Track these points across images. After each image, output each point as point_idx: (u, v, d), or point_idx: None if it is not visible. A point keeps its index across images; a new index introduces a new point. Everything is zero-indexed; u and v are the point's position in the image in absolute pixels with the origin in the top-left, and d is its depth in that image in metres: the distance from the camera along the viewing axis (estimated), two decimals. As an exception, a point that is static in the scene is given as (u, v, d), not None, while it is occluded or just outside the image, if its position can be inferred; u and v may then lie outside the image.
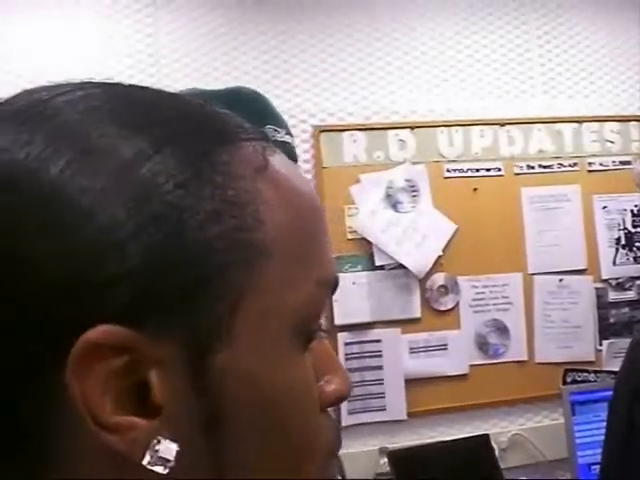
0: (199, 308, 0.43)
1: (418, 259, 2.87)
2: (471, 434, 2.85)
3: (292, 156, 1.24)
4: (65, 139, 0.43)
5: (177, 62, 2.78)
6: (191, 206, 0.43)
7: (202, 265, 0.43)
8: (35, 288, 0.41)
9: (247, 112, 1.22)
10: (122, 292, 0.41)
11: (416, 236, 2.88)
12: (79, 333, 0.40)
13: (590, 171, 3.12)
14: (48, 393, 0.42)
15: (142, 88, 0.51)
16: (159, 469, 0.42)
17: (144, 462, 0.41)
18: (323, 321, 0.51)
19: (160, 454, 0.42)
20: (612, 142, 3.16)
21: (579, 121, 3.13)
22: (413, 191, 2.91)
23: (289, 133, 1.28)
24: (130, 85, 0.51)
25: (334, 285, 0.51)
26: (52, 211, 0.41)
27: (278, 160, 0.50)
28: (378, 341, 2.85)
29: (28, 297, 0.41)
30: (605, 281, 3.09)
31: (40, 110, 0.46)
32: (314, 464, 0.50)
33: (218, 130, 0.48)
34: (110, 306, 0.41)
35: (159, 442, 0.42)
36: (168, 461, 0.42)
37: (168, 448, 0.42)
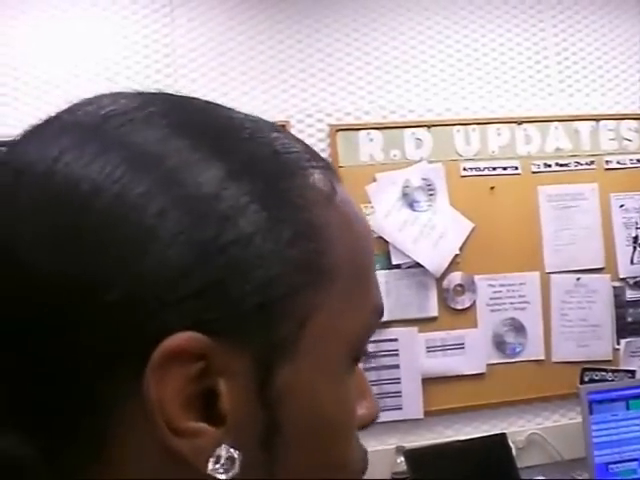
0: (271, 324, 0.44)
1: (435, 258, 2.87)
2: (488, 433, 2.85)
3: None
4: (145, 162, 0.44)
5: (193, 62, 2.79)
6: (274, 226, 0.45)
7: (278, 285, 0.44)
8: (115, 297, 0.41)
9: None
10: (203, 303, 0.42)
11: (433, 235, 2.88)
12: (157, 338, 0.41)
13: (607, 169, 3.10)
14: (117, 391, 0.43)
15: (215, 105, 0.52)
16: (222, 476, 0.43)
17: (208, 470, 0.43)
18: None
19: (224, 462, 0.43)
20: (629, 140, 3.14)
21: (596, 119, 3.11)
22: (430, 190, 2.91)
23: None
24: (203, 101, 0.52)
25: (382, 313, 0.53)
26: (130, 232, 0.42)
27: (342, 189, 0.52)
28: (395, 340, 2.85)
29: (105, 306, 0.42)
30: (622, 280, 3.08)
31: (117, 125, 0.46)
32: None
33: (293, 155, 0.49)
34: (188, 316, 0.42)
35: (225, 450, 0.43)
36: (230, 470, 0.43)
37: (232, 457, 0.43)
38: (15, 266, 0.43)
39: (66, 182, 0.43)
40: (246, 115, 0.52)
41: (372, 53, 2.95)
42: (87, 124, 0.46)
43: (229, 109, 0.52)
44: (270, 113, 2.70)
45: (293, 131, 2.74)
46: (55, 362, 0.42)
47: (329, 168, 0.52)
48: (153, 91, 0.51)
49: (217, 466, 0.43)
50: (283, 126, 2.65)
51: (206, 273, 0.42)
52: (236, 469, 0.43)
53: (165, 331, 0.41)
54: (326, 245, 0.47)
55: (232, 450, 0.43)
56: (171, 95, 0.51)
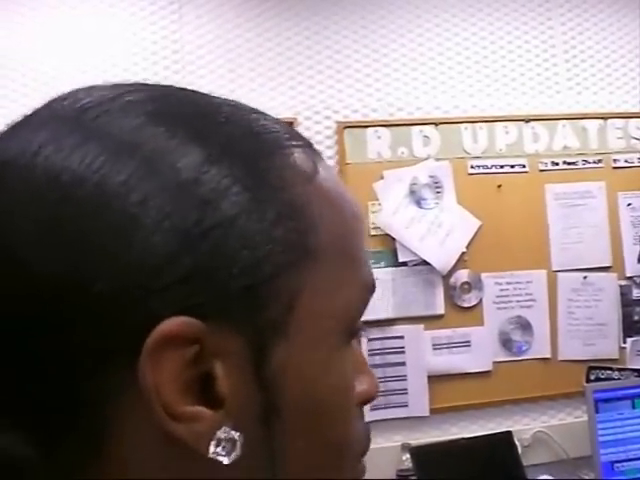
0: (259, 305, 0.44)
1: (441, 255, 2.87)
2: (494, 431, 2.85)
3: None
4: (124, 150, 0.44)
5: (201, 59, 2.79)
6: (257, 208, 0.45)
7: (264, 265, 0.44)
8: (102, 287, 0.42)
9: None
10: (191, 288, 0.42)
11: (440, 232, 2.88)
12: (148, 326, 0.41)
13: (615, 168, 3.10)
14: (111, 382, 0.43)
15: (193, 92, 0.52)
16: (223, 459, 0.43)
17: (209, 452, 0.43)
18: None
19: (225, 445, 0.43)
20: (637, 139, 3.13)
21: (604, 117, 3.11)
22: (437, 187, 2.90)
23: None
24: (174, 87, 0.52)
25: (373, 289, 0.53)
26: (113, 221, 0.42)
27: (325, 167, 0.52)
28: (401, 337, 2.85)
29: (92, 297, 0.42)
30: (629, 278, 3.07)
31: (93, 116, 0.46)
32: (348, 461, 0.51)
33: (271, 136, 0.50)
34: (177, 302, 0.42)
35: (225, 433, 0.43)
36: (232, 452, 0.43)
37: (232, 439, 0.43)
38: (1, 262, 0.43)
39: (47, 175, 0.43)
40: (224, 99, 0.52)
41: (380, 50, 2.95)
42: (64, 117, 0.47)
43: (207, 95, 0.52)
44: (277, 110, 2.70)
45: (300, 128, 2.75)
46: (48, 357, 0.42)
47: (311, 147, 0.52)
48: (129, 82, 0.51)
49: (218, 449, 0.43)
50: (291, 123, 2.67)
51: (191, 258, 0.42)
52: (237, 451, 0.43)
53: (154, 319, 0.41)
54: (310, 224, 0.47)
55: (232, 432, 0.43)
56: (147, 85, 0.51)
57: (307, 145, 0.52)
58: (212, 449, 0.43)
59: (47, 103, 0.49)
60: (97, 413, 0.43)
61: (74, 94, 0.49)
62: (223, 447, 0.43)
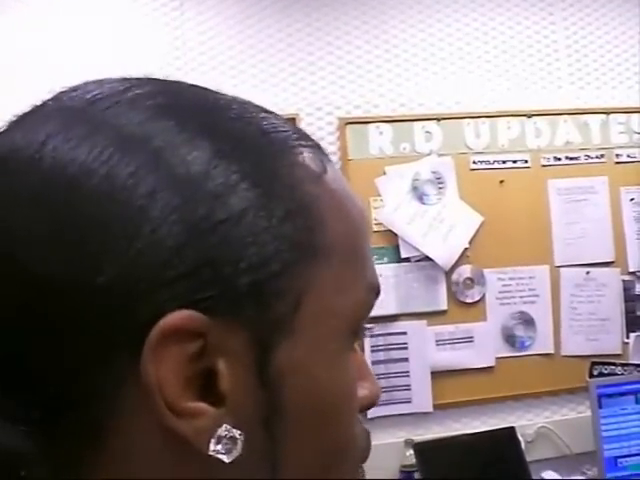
0: (265, 303, 0.44)
1: (444, 251, 2.86)
2: (497, 427, 2.85)
3: None
4: (132, 143, 0.44)
5: (203, 55, 2.79)
6: (266, 204, 0.45)
7: (271, 262, 0.44)
8: (108, 279, 0.41)
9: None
10: (197, 282, 0.42)
11: (442, 228, 2.88)
12: (152, 319, 0.41)
13: (617, 163, 3.09)
14: (113, 375, 0.42)
15: (202, 89, 0.52)
16: (224, 457, 0.43)
17: (210, 450, 0.42)
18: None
19: (226, 442, 0.43)
20: (640, 133, 3.13)
21: (606, 112, 3.10)
22: (439, 183, 2.90)
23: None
24: (184, 83, 0.52)
25: (378, 291, 0.53)
26: (120, 213, 0.42)
27: (333, 168, 0.52)
28: (404, 333, 2.85)
29: (98, 289, 0.41)
30: (632, 274, 3.07)
31: (103, 108, 0.46)
32: (348, 466, 0.51)
33: (281, 134, 0.49)
34: (183, 296, 0.42)
35: (226, 430, 0.43)
36: (233, 450, 0.43)
37: (233, 437, 0.43)
38: (6, 255, 0.43)
39: (54, 165, 0.43)
40: (234, 97, 0.52)
41: (382, 46, 2.95)
42: (73, 108, 0.46)
43: (217, 92, 0.52)
44: (280, 106, 2.70)
45: (302, 124, 2.75)
46: (50, 349, 0.42)
47: (319, 148, 0.52)
48: (139, 76, 0.50)
49: (219, 447, 0.42)
50: (293, 119, 2.67)
51: (198, 252, 0.42)
52: (238, 449, 0.43)
53: (159, 312, 0.41)
54: (318, 222, 0.47)
55: (234, 430, 0.43)
56: (157, 79, 0.51)
57: (315, 146, 0.52)
58: (212, 446, 0.42)
59: (56, 95, 0.48)
60: (98, 405, 0.43)
61: (84, 86, 0.48)
62: (224, 445, 0.43)
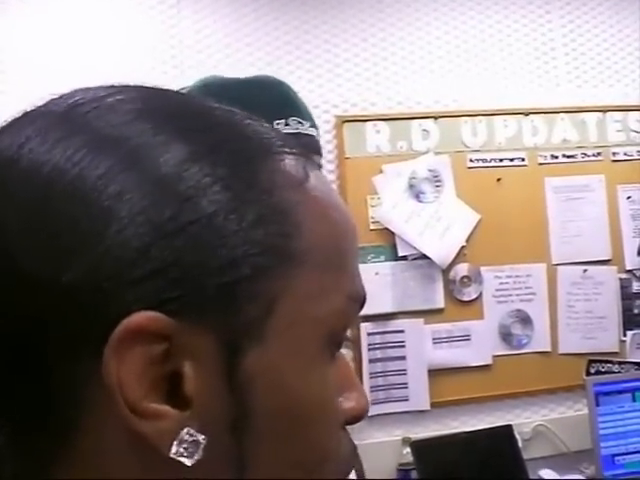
0: (235, 306, 0.44)
1: (441, 249, 2.86)
2: (494, 425, 2.85)
3: (317, 149, 1.25)
4: (107, 145, 0.45)
5: (200, 53, 2.79)
6: (237, 208, 0.45)
7: (241, 265, 0.44)
8: (74, 277, 0.42)
9: (269, 101, 1.19)
10: (164, 283, 0.42)
11: (439, 226, 2.88)
12: (117, 319, 0.41)
13: (614, 161, 3.10)
14: (80, 373, 0.43)
15: (184, 95, 0.53)
16: (185, 461, 0.42)
17: (171, 452, 0.42)
18: (349, 334, 0.52)
19: (188, 446, 0.43)
20: (637, 132, 3.13)
21: (603, 110, 3.10)
22: (436, 181, 2.90)
23: (314, 125, 1.27)
24: (171, 91, 0.52)
25: (362, 301, 0.52)
26: (89, 213, 0.43)
27: (317, 175, 0.52)
28: (401, 331, 2.85)
29: (64, 287, 0.42)
30: (629, 272, 3.07)
31: (83, 112, 0.47)
32: (324, 477, 0.50)
33: (263, 140, 0.50)
34: (149, 296, 0.42)
35: (188, 434, 0.43)
36: (195, 454, 0.43)
37: (196, 441, 0.43)
38: None
39: (30, 167, 0.44)
40: (220, 105, 0.52)
41: (379, 44, 2.95)
42: (54, 113, 0.47)
43: (204, 99, 0.52)
44: (276, 104, 2.69)
45: (299, 122, 2.74)
46: (18, 346, 0.43)
47: (305, 155, 0.52)
48: (126, 83, 0.51)
49: (181, 449, 0.42)
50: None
51: (165, 253, 0.42)
52: (200, 453, 0.43)
53: (125, 312, 0.41)
54: (294, 229, 0.47)
55: (197, 434, 0.43)
56: (144, 87, 0.51)
57: (302, 154, 0.52)
58: (174, 449, 0.42)
59: (46, 101, 0.49)
60: (64, 403, 0.43)
61: (72, 93, 0.49)
62: (185, 448, 0.42)
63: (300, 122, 1.22)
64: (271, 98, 1.23)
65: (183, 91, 1.23)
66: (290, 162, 0.49)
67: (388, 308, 2.83)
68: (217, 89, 1.22)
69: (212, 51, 2.80)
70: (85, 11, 2.69)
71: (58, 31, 2.66)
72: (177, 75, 2.70)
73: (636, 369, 3.00)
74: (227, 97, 1.23)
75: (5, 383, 0.44)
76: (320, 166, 1.20)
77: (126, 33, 2.73)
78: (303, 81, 2.86)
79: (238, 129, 0.49)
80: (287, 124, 1.20)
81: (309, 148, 1.20)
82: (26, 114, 0.49)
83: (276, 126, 1.15)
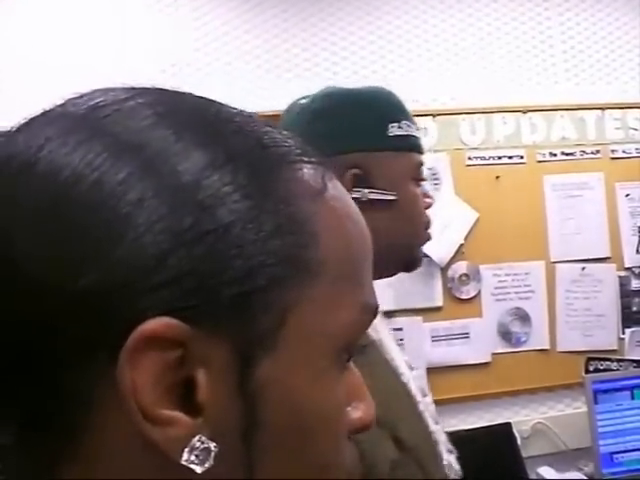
0: (250, 316, 0.44)
1: (440, 247, 2.86)
2: (493, 422, 2.85)
3: (421, 149, 1.40)
4: (127, 150, 0.44)
5: (197, 51, 2.78)
6: (256, 217, 0.45)
7: (257, 276, 0.44)
8: (91, 282, 0.42)
9: (384, 106, 1.34)
10: (180, 291, 0.42)
11: (437, 224, 2.84)
12: (132, 325, 0.41)
13: (613, 158, 3.10)
14: (91, 377, 0.43)
15: (207, 100, 0.52)
16: (196, 468, 0.42)
17: (182, 459, 0.42)
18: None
19: (199, 453, 0.43)
20: (635, 129, 3.13)
21: (602, 108, 3.10)
22: (435, 179, 2.90)
23: (418, 128, 1.42)
24: (189, 94, 0.52)
25: (375, 312, 0.52)
26: (108, 218, 0.42)
27: (335, 186, 0.51)
28: (400, 329, 2.84)
29: (80, 291, 0.42)
30: (628, 269, 3.07)
31: (103, 115, 0.46)
32: None
33: (282, 149, 0.49)
34: (165, 304, 0.42)
35: (200, 441, 0.43)
36: (206, 461, 0.43)
37: (207, 448, 0.43)
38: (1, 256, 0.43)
39: (48, 169, 0.44)
40: (240, 111, 0.52)
41: (376, 42, 2.94)
42: (74, 115, 0.47)
43: (222, 104, 0.52)
44: (273, 103, 2.68)
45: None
46: (31, 349, 0.43)
47: (322, 164, 0.51)
48: (146, 85, 0.51)
49: (192, 457, 0.42)
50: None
51: (182, 261, 0.42)
52: (211, 461, 0.43)
53: (140, 318, 0.41)
54: (311, 239, 0.47)
55: (208, 441, 0.43)
56: (162, 89, 0.51)
57: (319, 163, 0.51)
58: (185, 456, 0.42)
59: (65, 101, 0.49)
60: (76, 406, 0.43)
61: (91, 93, 0.49)
62: (197, 455, 0.42)
63: (409, 125, 1.36)
64: (385, 104, 1.37)
65: (304, 101, 1.36)
66: (309, 172, 0.49)
67: (387, 306, 2.81)
68: (339, 97, 1.37)
69: (210, 50, 2.79)
70: (81, 9, 2.68)
71: (55, 29, 2.65)
72: (175, 73, 2.70)
73: (635, 367, 3.00)
74: (349, 103, 1.32)
75: (12, 384, 0.44)
76: (422, 163, 1.38)
77: (123, 31, 2.72)
78: (300, 80, 2.85)
79: (257, 137, 0.49)
80: (400, 127, 1.33)
81: (417, 148, 1.38)
82: (44, 114, 0.48)
83: (390, 128, 1.32)
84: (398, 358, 1.35)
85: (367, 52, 2.93)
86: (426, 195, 1.40)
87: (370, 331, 1.23)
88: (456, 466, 1.36)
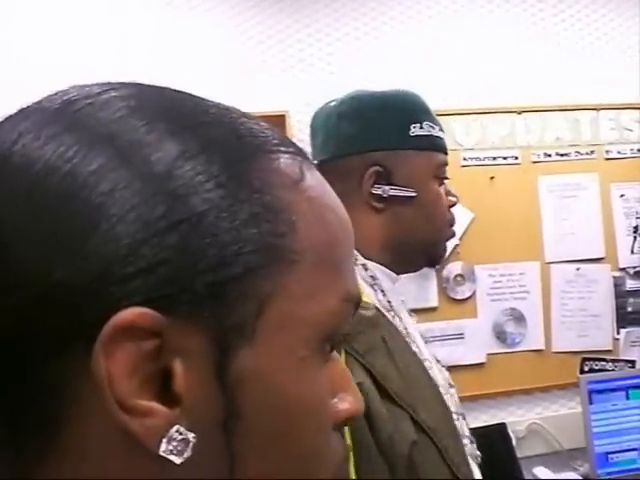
0: (227, 305, 0.44)
1: (435, 248, 2.86)
2: (488, 423, 2.85)
3: (444, 149, 1.45)
4: (99, 142, 0.44)
5: (193, 50, 2.78)
6: (230, 206, 0.45)
7: (233, 264, 0.44)
8: (65, 273, 0.42)
9: (408, 108, 1.40)
10: (154, 280, 0.42)
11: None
12: (107, 316, 0.41)
13: (607, 159, 3.10)
14: (68, 370, 0.42)
15: (180, 92, 0.52)
16: (174, 459, 0.42)
17: (160, 450, 0.42)
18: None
19: (177, 444, 0.42)
20: (630, 130, 3.13)
21: (597, 109, 3.10)
22: (430, 180, 2.89)
23: (442, 130, 1.47)
24: (167, 88, 0.52)
25: (357, 302, 0.52)
26: (80, 209, 0.42)
27: (314, 176, 0.51)
28: (395, 330, 2.84)
29: (54, 283, 0.42)
30: (623, 270, 3.07)
31: (76, 108, 0.46)
32: (316, 477, 0.50)
33: (258, 139, 0.49)
34: (140, 294, 0.42)
35: (177, 432, 0.43)
36: (184, 452, 0.43)
37: (186, 439, 0.43)
38: None
39: (22, 162, 0.44)
40: (218, 103, 0.52)
41: (372, 43, 2.94)
42: (48, 109, 0.47)
43: (200, 98, 0.52)
44: (269, 103, 2.69)
45: (292, 121, 2.74)
46: (5, 342, 0.43)
47: (301, 154, 0.52)
48: (123, 81, 0.51)
49: (170, 447, 0.42)
50: (283, 116, 2.66)
51: (155, 251, 0.42)
52: (189, 451, 0.43)
53: (115, 308, 0.41)
54: (288, 228, 0.47)
55: (187, 432, 0.43)
56: (140, 84, 0.51)
57: (298, 153, 0.51)
58: (163, 447, 0.42)
59: (42, 98, 0.49)
60: (53, 398, 0.43)
61: (67, 90, 0.49)
62: (175, 446, 0.42)
63: (432, 126, 1.42)
64: (409, 106, 1.43)
65: (333, 103, 1.41)
66: (286, 161, 0.49)
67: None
68: (365, 99, 1.43)
69: (206, 48, 2.79)
70: (81, 9, 2.68)
71: (54, 29, 2.65)
72: (169, 72, 2.69)
73: (629, 367, 3.01)
74: (374, 105, 1.37)
75: None
76: (445, 163, 1.44)
77: (120, 30, 2.71)
78: (296, 80, 2.85)
79: (232, 127, 0.49)
80: (422, 127, 1.40)
81: (439, 148, 1.43)
82: (21, 110, 0.49)
83: (412, 128, 1.39)
84: (422, 347, 1.40)
85: (362, 53, 2.93)
86: (450, 193, 1.44)
87: (397, 321, 1.33)
88: (476, 452, 1.43)
